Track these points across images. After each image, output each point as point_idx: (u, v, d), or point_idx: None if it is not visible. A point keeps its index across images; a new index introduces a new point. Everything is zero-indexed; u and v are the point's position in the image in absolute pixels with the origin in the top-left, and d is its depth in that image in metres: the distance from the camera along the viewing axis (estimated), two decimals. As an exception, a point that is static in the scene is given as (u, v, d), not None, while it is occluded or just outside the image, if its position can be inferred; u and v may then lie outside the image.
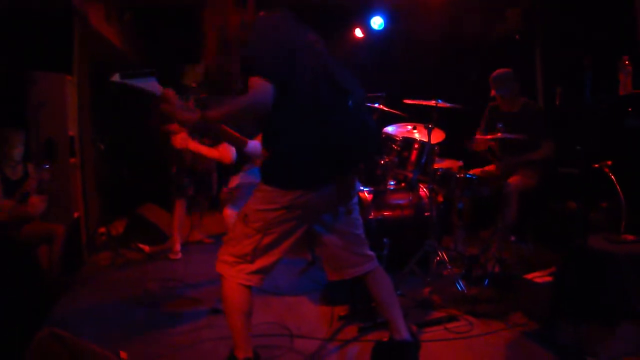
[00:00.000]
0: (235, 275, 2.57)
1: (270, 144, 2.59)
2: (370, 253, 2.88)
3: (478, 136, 4.75)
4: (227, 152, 4.39)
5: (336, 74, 2.58)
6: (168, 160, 5.63)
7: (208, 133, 4.38)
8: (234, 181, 4.06)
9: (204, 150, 4.81)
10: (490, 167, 4.87)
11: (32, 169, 4.63)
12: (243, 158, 3.95)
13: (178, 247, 5.59)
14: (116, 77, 2.38)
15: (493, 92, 4.75)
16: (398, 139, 4.42)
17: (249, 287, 2.60)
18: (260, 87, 2.34)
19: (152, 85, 2.43)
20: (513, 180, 4.47)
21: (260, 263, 2.59)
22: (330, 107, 2.50)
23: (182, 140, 4.90)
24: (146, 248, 5.75)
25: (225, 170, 4.42)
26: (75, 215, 5.50)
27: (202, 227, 6.42)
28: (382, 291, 2.88)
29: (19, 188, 4.43)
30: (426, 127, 4.32)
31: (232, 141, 3.65)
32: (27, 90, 5.15)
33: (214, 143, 4.70)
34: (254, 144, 3.68)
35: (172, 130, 4.89)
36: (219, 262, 2.64)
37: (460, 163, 5.04)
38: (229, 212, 4.19)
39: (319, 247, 2.89)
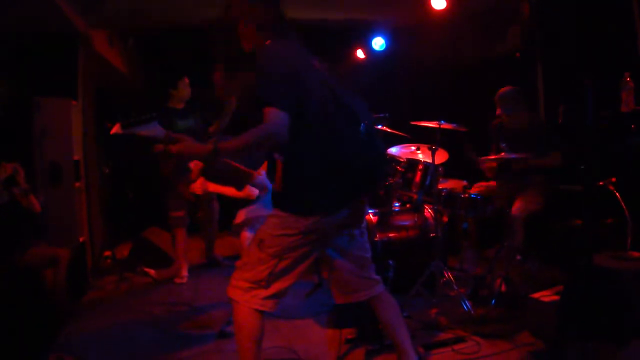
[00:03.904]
0: (249, 301, 2.56)
1: (284, 172, 2.57)
2: (376, 277, 2.89)
3: (482, 160, 4.74)
4: (251, 191, 4.30)
5: (344, 99, 2.58)
6: (162, 193, 5.57)
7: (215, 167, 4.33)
8: (240, 216, 4.01)
9: (227, 191, 4.72)
10: (493, 183, 4.86)
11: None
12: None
13: (185, 271, 5.55)
14: (118, 129, 2.36)
15: (499, 111, 4.75)
16: (402, 160, 4.44)
17: (261, 313, 2.58)
18: (276, 117, 2.31)
19: (154, 129, 2.42)
20: (517, 206, 4.46)
21: (275, 288, 2.57)
22: (342, 132, 2.50)
23: (201, 185, 4.87)
24: (152, 272, 5.71)
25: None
26: (81, 239, 5.51)
27: (216, 248, 6.27)
28: (388, 314, 2.89)
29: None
30: (430, 149, 4.34)
31: (238, 174, 3.61)
32: (32, 115, 5.19)
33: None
34: (260, 176, 3.65)
35: (190, 178, 4.83)
36: (232, 287, 2.61)
37: (465, 183, 5.04)
38: (247, 235, 4.12)
39: (327, 270, 2.90)
